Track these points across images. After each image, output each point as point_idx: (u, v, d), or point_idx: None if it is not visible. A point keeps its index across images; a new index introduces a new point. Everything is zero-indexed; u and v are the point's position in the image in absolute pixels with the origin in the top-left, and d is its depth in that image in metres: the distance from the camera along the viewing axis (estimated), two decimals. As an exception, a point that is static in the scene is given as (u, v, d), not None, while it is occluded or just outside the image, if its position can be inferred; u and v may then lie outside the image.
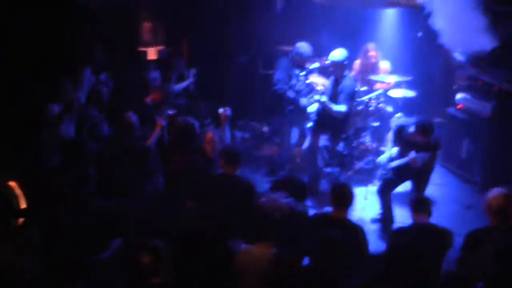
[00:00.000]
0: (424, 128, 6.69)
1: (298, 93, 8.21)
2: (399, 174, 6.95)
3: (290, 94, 8.16)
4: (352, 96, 7.59)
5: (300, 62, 8.25)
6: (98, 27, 8.31)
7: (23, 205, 2.21)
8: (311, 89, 8.30)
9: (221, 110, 7.08)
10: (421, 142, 6.69)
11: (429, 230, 5.32)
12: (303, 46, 8.25)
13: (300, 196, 5.56)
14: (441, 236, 5.30)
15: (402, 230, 5.51)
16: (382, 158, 7.15)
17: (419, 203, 5.47)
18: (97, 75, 8.00)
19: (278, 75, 8.27)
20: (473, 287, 4.61)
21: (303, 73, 7.98)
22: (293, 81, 8.25)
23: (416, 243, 5.20)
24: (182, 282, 4.59)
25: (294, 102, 8.17)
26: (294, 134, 8.57)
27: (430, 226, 5.36)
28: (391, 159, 7.01)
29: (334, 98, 7.54)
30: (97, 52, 8.18)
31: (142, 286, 4.23)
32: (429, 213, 5.40)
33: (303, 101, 8.10)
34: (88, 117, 6.79)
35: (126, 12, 8.76)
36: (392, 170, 6.98)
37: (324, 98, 7.45)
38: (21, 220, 2.21)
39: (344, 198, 5.32)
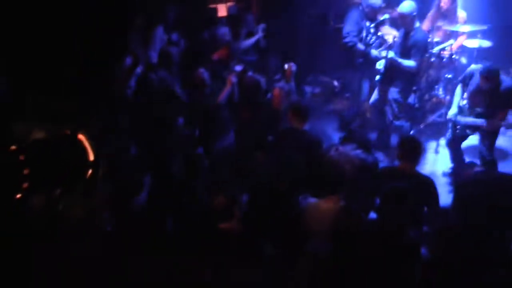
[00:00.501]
0: (489, 73, 6.36)
1: (369, 45, 8.06)
2: (469, 129, 6.82)
3: (360, 46, 8.04)
4: (424, 50, 7.45)
5: (370, 14, 8.08)
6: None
7: (91, 157, 2.34)
8: (382, 41, 8.15)
9: (286, 66, 7.08)
10: (488, 89, 6.41)
11: (495, 178, 5.26)
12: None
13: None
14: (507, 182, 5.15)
15: (467, 179, 5.42)
16: (452, 114, 6.87)
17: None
18: (169, 34, 8.11)
19: (348, 27, 8.11)
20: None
21: (373, 25, 7.82)
22: (364, 34, 8.11)
23: (483, 190, 5.07)
24: (251, 232, 4.70)
25: (365, 54, 8.03)
26: (365, 87, 8.46)
27: (496, 173, 5.27)
28: (461, 113, 6.79)
29: (404, 52, 7.42)
30: (170, 11, 8.27)
31: (211, 229, 4.35)
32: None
33: (374, 53, 7.93)
34: (158, 78, 6.94)
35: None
36: (463, 126, 6.81)
37: (391, 54, 7.30)
38: (90, 172, 2.34)
39: (411, 151, 5.28)
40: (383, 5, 8.14)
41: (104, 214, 3.85)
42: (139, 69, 6.98)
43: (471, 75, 6.72)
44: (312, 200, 4.95)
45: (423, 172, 5.52)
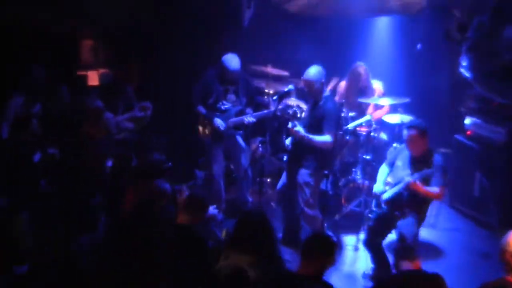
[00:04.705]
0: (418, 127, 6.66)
1: (223, 112, 8.21)
2: (393, 208, 6.79)
3: (201, 109, 8.23)
4: (336, 122, 7.37)
5: (225, 77, 8.15)
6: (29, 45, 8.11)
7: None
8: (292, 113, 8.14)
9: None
10: (418, 153, 6.67)
11: (415, 278, 4.99)
12: (230, 59, 8.07)
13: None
14: (430, 283, 5.02)
15: (385, 283, 5.26)
16: (377, 189, 6.95)
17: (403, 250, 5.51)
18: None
19: (196, 87, 8.36)
20: None
21: (276, 97, 7.78)
22: (215, 97, 8.23)
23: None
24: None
25: (206, 118, 8.23)
26: (218, 166, 8.45)
27: (416, 273, 5.09)
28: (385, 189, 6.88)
29: (313, 125, 7.34)
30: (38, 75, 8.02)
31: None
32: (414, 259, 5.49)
33: (218, 122, 8.15)
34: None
35: (61, 28, 8.64)
36: (386, 203, 6.81)
37: (300, 129, 7.21)
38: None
39: (313, 250, 5.08)
40: (236, 68, 8.09)
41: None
42: None
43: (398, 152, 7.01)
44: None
45: (326, 279, 5.21)
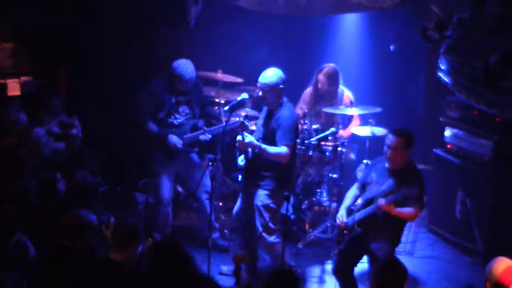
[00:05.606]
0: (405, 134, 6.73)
1: (176, 127, 8.23)
2: (366, 229, 6.83)
3: (152, 126, 8.17)
4: (292, 132, 7.37)
5: (178, 86, 8.18)
6: None
7: None
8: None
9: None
10: (398, 165, 6.69)
11: None
12: (184, 65, 8.12)
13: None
14: None
15: None
16: (340, 215, 7.02)
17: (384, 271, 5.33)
18: None
19: (140, 100, 8.28)
20: None
21: (227, 107, 7.84)
22: (167, 111, 8.22)
23: None
24: None
25: (159, 137, 8.15)
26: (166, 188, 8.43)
27: None
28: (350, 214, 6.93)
29: (267, 136, 7.41)
30: None
31: None
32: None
33: (174, 139, 8.10)
34: None
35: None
36: (358, 224, 6.86)
37: (250, 138, 7.31)
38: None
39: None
40: (192, 76, 8.12)
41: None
42: None
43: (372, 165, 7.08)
44: None
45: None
